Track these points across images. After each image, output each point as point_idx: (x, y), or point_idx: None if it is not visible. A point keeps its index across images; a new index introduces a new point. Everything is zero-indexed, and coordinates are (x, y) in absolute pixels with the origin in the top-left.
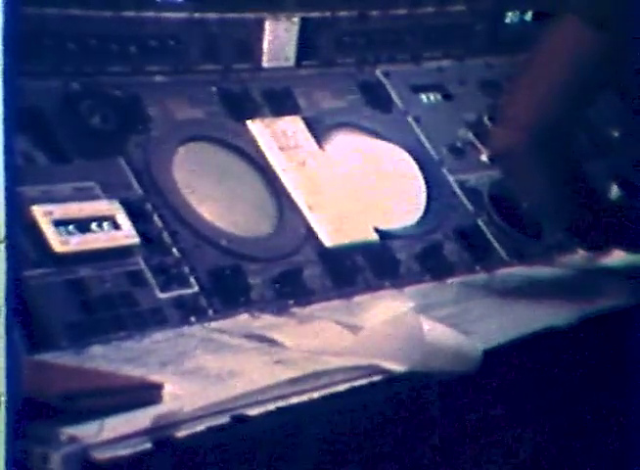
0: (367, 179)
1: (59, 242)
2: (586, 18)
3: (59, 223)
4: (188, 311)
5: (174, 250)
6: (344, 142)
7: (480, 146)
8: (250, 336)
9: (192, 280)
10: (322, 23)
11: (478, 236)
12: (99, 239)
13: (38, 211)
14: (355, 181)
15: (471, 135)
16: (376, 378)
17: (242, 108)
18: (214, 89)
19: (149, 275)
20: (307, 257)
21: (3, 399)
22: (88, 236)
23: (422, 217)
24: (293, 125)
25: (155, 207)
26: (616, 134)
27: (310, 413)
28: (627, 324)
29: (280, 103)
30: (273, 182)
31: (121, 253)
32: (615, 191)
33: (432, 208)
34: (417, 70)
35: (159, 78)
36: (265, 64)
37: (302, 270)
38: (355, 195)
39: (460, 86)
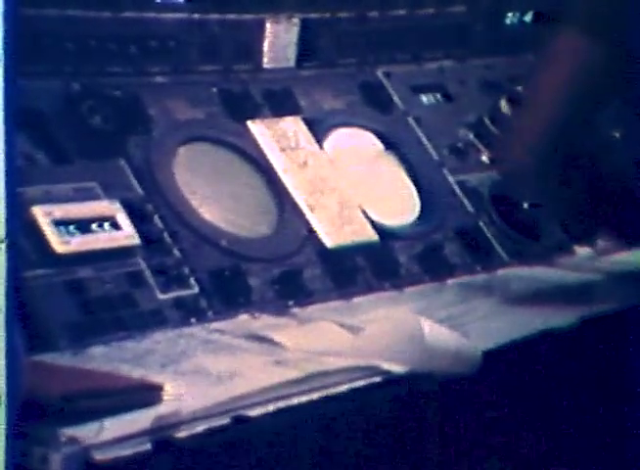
0: (369, 179)
1: (59, 242)
2: (585, 29)
3: (59, 223)
4: (188, 312)
5: (174, 250)
6: (345, 142)
7: (480, 146)
8: (250, 337)
9: (192, 281)
10: (322, 24)
11: (478, 237)
12: (99, 239)
13: (38, 212)
14: (356, 181)
15: (471, 136)
16: (376, 379)
17: (242, 108)
18: (215, 90)
19: (149, 276)
20: (308, 257)
21: (3, 399)
22: (89, 236)
23: (420, 215)
24: (293, 126)
25: (155, 207)
26: (617, 135)
27: (310, 414)
28: (628, 324)
29: (280, 103)
30: (274, 183)
31: (122, 253)
32: None
33: (431, 208)
34: (417, 71)
35: (159, 79)
36: (266, 64)
37: (303, 271)
38: (356, 195)
39: (460, 87)
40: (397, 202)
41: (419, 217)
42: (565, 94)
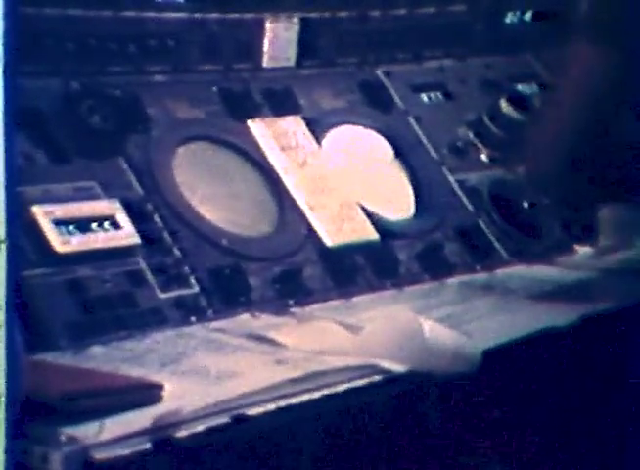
0: (369, 178)
1: (59, 242)
2: (601, 39)
3: (59, 223)
4: (188, 311)
5: (175, 250)
6: (345, 141)
7: (480, 145)
8: (250, 336)
9: (192, 280)
10: (322, 23)
11: (478, 236)
12: (99, 239)
13: (38, 211)
14: (356, 180)
15: (471, 135)
16: (376, 378)
17: (242, 108)
18: (215, 89)
19: (149, 275)
20: (308, 256)
21: (3, 398)
22: (89, 236)
23: (420, 213)
24: (293, 125)
25: (155, 206)
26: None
27: (310, 413)
28: (627, 324)
29: (280, 103)
30: (274, 182)
31: (122, 253)
32: None
33: (431, 206)
34: (417, 70)
35: (159, 78)
36: (266, 63)
37: (303, 270)
38: (357, 194)
39: (461, 86)
40: (397, 198)
41: (418, 215)
42: (580, 99)
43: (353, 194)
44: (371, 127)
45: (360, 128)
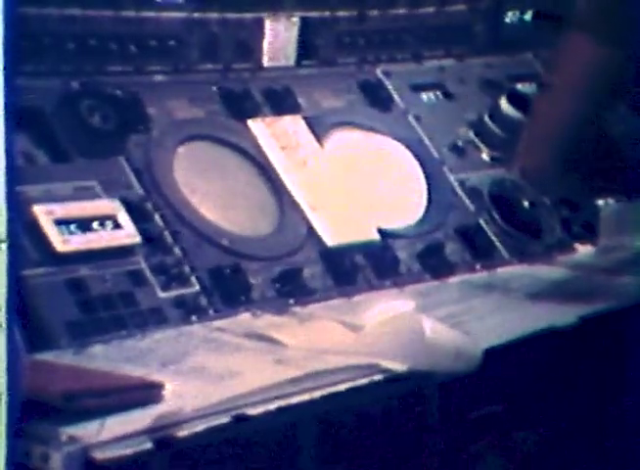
0: (369, 178)
1: (60, 241)
2: (596, 35)
3: (60, 223)
4: (189, 311)
5: (175, 249)
6: (345, 141)
7: (480, 145)
8: (250, 335)
9: (193, 279)
10: (322, 23)
11: (478, 235)
12: (100, 238)
13: (39, 211)
14: (357, 180)
15: (471, 134)
16: (377, 377)
17: (242, 107)
18: (215, 89)
19: (150, 274)
20: (308, 256)
21: (3, 398)
22: (89, 235)
23: (423, 217)
24: (293, 125)
25: (155, 206)
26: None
27: (311, 413)
28: (627, 324)
29: (280, 102)
30: (274, 181)
31: (122, 252)
32: None
33: (432, 207)
34: (417, 70)
35: (159, 78)
36: (265, 63)
37: (303, 269)
38: (357, 194)
39: (460, 85)
40: (402, 201)
41: (421, 217)
42: (580, 100)
43: (354, 194)
44: (372, 128)
45: (365, 132)
